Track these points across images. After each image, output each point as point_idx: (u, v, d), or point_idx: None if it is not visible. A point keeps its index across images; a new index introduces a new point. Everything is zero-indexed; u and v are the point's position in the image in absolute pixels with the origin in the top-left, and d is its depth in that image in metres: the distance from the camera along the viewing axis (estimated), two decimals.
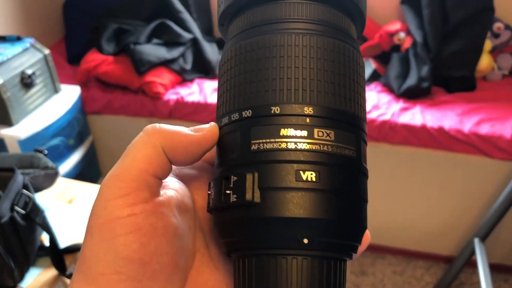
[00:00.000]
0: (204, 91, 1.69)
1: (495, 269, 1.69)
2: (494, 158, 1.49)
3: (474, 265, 1.53)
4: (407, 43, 1.74)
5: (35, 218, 0.78)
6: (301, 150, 0.24)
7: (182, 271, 0.27)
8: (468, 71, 1.66)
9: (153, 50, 1.68)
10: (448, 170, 1.59)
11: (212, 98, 1.65)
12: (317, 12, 0.27)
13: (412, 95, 1.61)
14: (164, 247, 0.25)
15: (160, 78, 1.67)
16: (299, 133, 0.25)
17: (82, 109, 1.72)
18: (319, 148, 0.24)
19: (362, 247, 0.28)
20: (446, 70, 1.67)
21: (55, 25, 2.09)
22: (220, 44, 1.92)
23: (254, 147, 0.25)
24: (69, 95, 1.63)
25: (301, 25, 0.26)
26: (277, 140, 0.24)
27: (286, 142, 0.24)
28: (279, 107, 0.25)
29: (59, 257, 0.81)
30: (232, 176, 0.25)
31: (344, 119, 0.26)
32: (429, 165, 1.60)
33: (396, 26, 1.78)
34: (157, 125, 0.27)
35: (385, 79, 1.70)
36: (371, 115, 1.54)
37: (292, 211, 0.24)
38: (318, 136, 0.25)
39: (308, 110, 0.25)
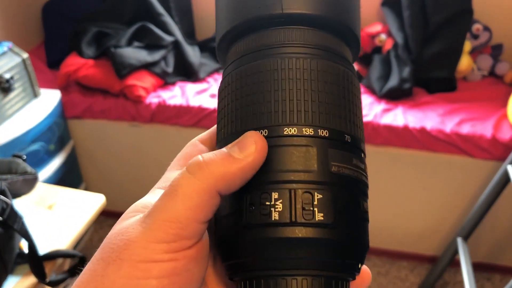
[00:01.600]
0: (186, 94, 1.68)
1: (478, 268, 1.70)
2: (475, 158, 1.51)
3: (457, 264, 1.54)
4: (388, 45, 1.75)
5: (13, 225, 0.76)
6: (364, 182, 0.26)
7: None
8: (448, 72, 1.68)
9: (134, 53, 1.67)
10: (431, 170, 1.60)
11: (194, 101, 1.64)
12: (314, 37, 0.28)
13: (393, 96, 1.62)
14: None
15: (142, 82, 1.65)
16: (362, 166, 0.26)
17: (63, 113, 1.69)
18: (367, 182, 0.27)
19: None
20: (427, 71, 1.68)
21: (34, 29, 2.06)
22: (202, 47, 1.91)
23: (334, 168, 0.25)
24: (49, 99, 1.61)
25: (306, 49, 0.27)
26: (352, 168, 0.25)
27: (358, 172, 0.26)
28: (351, 136, 0.26)
29: (39, 264, 0.79)
30: (316, 193, 0.24)
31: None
32: (411, 165, 1.61)
33: (377, 28, 1.79)
34: (203, 163, 0.24)
35: (367, 80, 1.71)
36: None
37: (362, 239, 0.26)
38: (366, 170, 0.27)
39: (362, 146, 0.27)
